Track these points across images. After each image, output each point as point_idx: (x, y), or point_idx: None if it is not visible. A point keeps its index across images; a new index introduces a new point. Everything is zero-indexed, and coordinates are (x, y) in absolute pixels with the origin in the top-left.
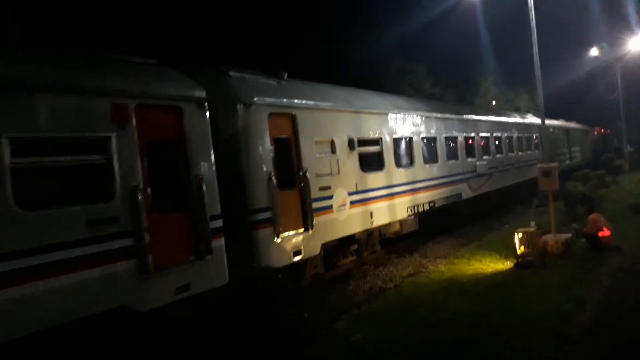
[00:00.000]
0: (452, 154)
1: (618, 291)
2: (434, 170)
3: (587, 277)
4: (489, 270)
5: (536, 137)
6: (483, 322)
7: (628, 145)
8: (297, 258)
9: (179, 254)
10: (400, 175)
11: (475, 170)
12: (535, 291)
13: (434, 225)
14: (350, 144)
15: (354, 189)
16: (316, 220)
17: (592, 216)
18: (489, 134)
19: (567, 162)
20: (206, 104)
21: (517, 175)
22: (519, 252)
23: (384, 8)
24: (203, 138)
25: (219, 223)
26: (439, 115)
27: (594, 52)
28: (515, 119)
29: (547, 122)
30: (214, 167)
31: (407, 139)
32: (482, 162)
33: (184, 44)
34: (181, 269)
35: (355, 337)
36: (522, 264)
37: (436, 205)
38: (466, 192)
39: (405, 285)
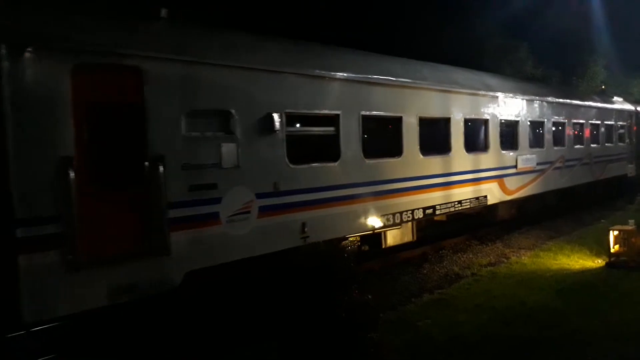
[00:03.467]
0: (475, 144)
1: None
2: (440, 164)
3: None
4: (577, 266)
5: (621, 125)
6: (563, 322)
7: None
8: (123, 298)
9: None
10: (370, 170)
11: (515, 166)
12: (626, 295)
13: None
14: (268, 121)
15: (269, 189)
16: (180, 236)
17: None
18: (543, 119)
19: None
20: None
21: (585, 174)
22: (612, 250)
23: None
24: None
25: None
26: (455, 89)
27: None
28: (592, 102)
29: None
30: None
31: (394, 120)
32: (527, 156)
33: None
34: None
35: (423, 323)
36: (614, 263)
37: (437, 212)
38: (496, 194)
39: (483, 274)
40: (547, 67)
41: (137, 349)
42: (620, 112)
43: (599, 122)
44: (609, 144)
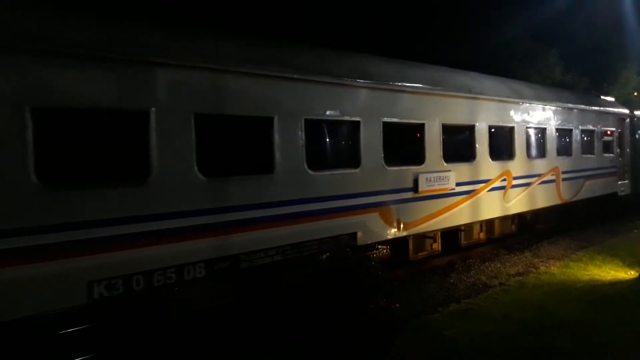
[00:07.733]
0: (334, 158)
1: None
2: (255, 191)
3: None
4: (608, 277)
5: (609, 132)
6: (594, 334)
7: None
8: None
9: None
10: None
11: (415, 189)
12: None
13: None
14: None
15: None
16: None
17: None
18: (473, 123)
19: None
20: None
21: (548, 195)
22: None
23: None
24: None
25: None
26: (280, 73)
27: None
28: (560, 102)
29: None
30: None
31: (132, 117)
32: (438, 173)
33: None
34: None
35: (449, 332)
36: None
37: (244, 265)
38: (374, 230)
39: (511, 284)
40: (577, 73)
41: None
42: (608, 116)
43: (570, 127)
44: (587, 155)
